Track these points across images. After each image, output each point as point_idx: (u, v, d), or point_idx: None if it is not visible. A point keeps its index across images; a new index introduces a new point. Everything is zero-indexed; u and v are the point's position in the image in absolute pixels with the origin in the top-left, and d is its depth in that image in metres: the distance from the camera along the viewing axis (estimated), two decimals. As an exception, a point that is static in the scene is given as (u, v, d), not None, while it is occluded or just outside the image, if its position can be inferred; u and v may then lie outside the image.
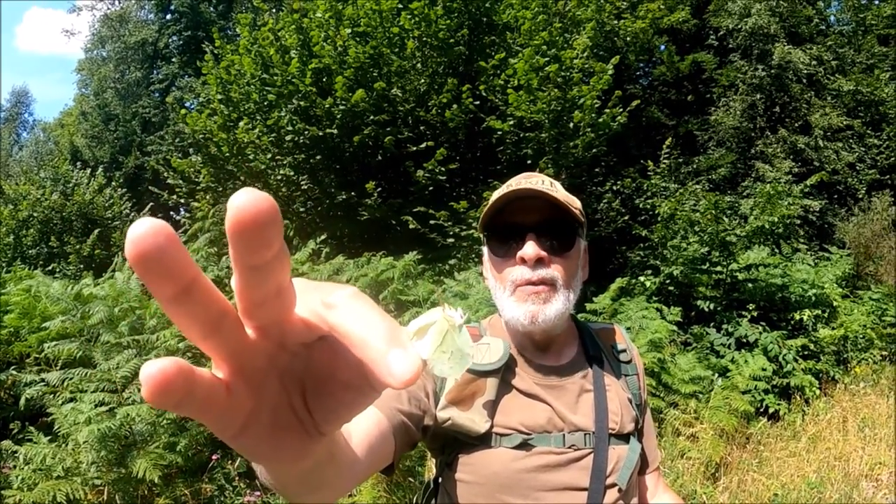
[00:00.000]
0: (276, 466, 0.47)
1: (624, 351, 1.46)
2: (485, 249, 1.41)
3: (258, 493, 4.26)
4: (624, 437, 1.32)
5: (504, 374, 1.31)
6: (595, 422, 1.30)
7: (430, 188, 7.66)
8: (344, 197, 7.88)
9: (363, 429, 1.03)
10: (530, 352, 1.37)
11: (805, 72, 11.92)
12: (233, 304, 0.35)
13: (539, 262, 1.28)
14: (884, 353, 7.30)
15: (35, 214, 13.65)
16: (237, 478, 4.40)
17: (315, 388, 0.41)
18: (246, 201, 0.29)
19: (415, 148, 7.65)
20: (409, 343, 0.33)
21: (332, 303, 0.35)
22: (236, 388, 0.37)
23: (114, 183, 15.80)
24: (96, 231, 12.97)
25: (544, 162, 7.20)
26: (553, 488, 1.24)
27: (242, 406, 0.37)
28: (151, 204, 15.07)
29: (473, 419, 1.24)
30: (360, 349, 0.34)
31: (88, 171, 15.48)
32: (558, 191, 1.31)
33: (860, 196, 11.83)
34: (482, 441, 1.25)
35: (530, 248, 1.27)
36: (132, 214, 14.78)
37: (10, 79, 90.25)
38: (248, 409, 0.38)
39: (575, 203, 1.34)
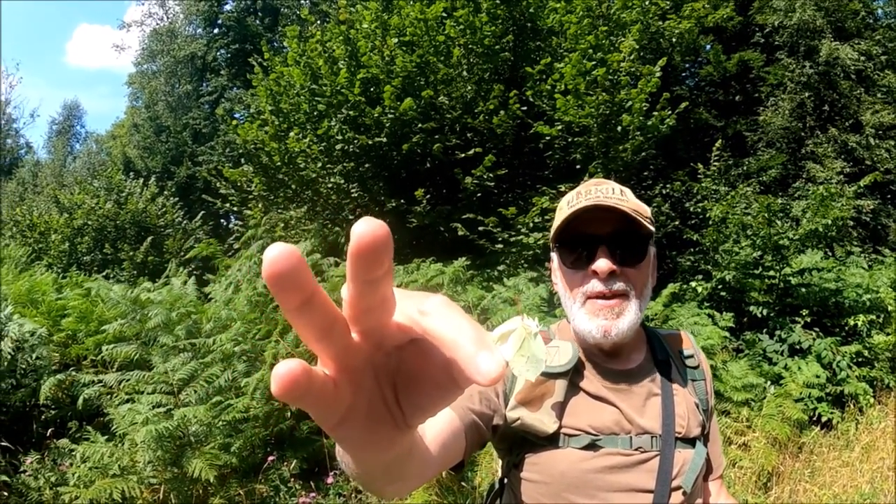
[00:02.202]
0: (366, 456, 0.52)
1: (692, 356, 1.47)
2: (554, 256, 1.42)
3: (313, 493, 4.33)
4: (690, 441, 1.33)
5: (573, 376, 1.33)
6: (662, 425, 1.31)
7: (479, 194, 7.67)
8: (393, 204, 7.96)
9: (437, 427, 1.08)
10: (599, 356, 1.38)
11: (853, 68, 11.62)
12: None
13: (611, 275, 1.29)
14: (940, 359, 7.08)
15: (89, 222, 14.05)
16: (292, 479, 4.47)
17: (405, 385, 0.46)
18: (366, 229, 0.36)
19: (463, 155, 7.69)
20: (494, 346, 0.38)
21: (427, 310, 0.40)
22: (341, 384, 0.42)
23: (166, 192, 16.18)
24: (149, 238, 13.31)
25: (593, 166, 7.18)
26: (619, 489, 1.25)
27: (344, 400, 0.43)
28: (203, 212, 15.37)
29: (542, 420, 1.27)
30: (451, 350, 0.38)
31: (141, 180, 15.90)
32: (629, 200, 1.32)
33: (915, 195, 11.49)
34: (550, 441, 1.28)
35: (603, 263, 1.28)
36: (184, 222, 15.10)
37: (60, 93, 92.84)
38: (348, 402, 0.43)
39: (645, 212, 1.34)
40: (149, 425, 3.97)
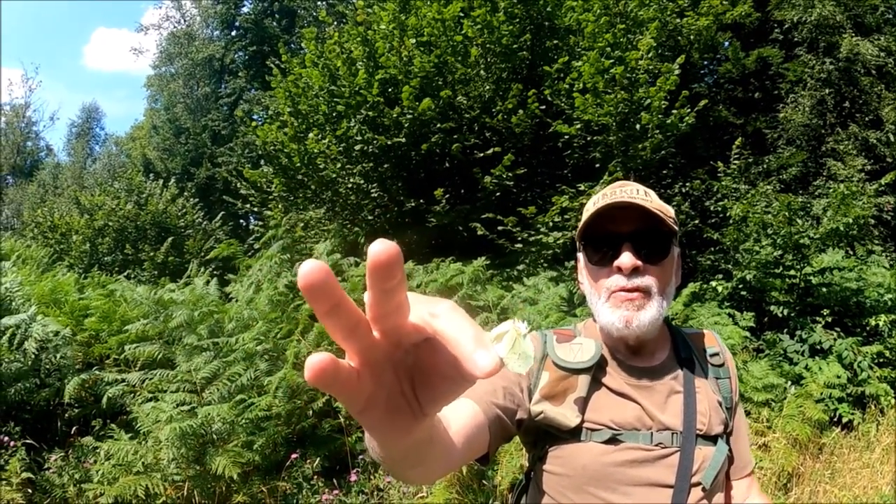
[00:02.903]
0: (387, 440, 0.60)
1: (716, 354, 1.48)
2: (580, 255, 1.44)
3: (336, 491, 4.36)
4: (711, 439, 1.35)
5: (596, 372, 1.37)
6: (683, 422, 1.33)
7: (498, 194, 7.69)
8: (412, 204, 8.00)
9: (461, 420, 1.14)
10: (622, 353, 1.41)
11: (874, 63, 11.46)
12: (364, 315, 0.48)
13: (635, 271, 1.32)
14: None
15: (110, 223, 14.18)
16: (315, 476, 4.50)
17: (420, 378, 0.53)
18: (380, 248, 0.43)
19: (481, 154, 7.70)
20: (490, 345, 0.45)
21: (437, 313, 0.48)
22: (364, 375, 0.49)
23: (186, 193, 16.32)
24: (170, 239, 13.42)
25: (613, 165, 7.15)
26: (639, 483, 1.28)
27: (367, 389, 0.50)
28: (223, 213, 15.47)
29: (565, 413, 1.31)
30: (454, 348, 0.46)
31: (161, 181, 16.04)
32: (653, 200, 1.35)
33: (936, 193, 11.30)
34: (573, 435, 1.32)
35: (626, 258, 1.31)
36: (204, 223, 15.20)
37: (79, 97, 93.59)
38: (370, 391, 0.50)
39: (668, 211, 1.37)
40: (172, 423, 4.01)
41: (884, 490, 4.63)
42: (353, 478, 4.42)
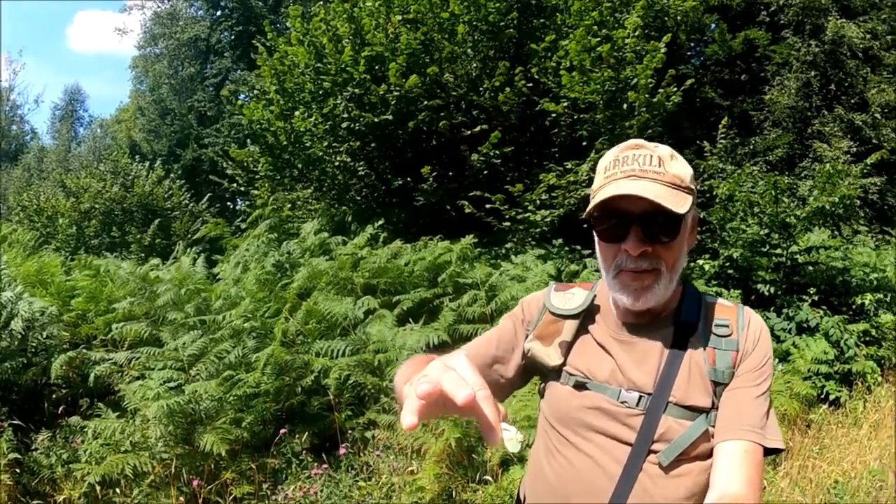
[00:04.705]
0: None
1: (725, 326, 1.37)
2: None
3: (325, 465, 4.36)
4: (688, 410, 1.29)
5: (585, 319, 1.44)
6: (655, 385, 1.31)
7: (485, 172, 7.68)
8: (399, 183, 7.98)
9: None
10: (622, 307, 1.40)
11: (861, 46, 11.49)
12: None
13: (643, 253, 1.29)
14: (947, 339, 7.03)
15: (97, 206, 14.09)
16: (303, 452, 4.49)
17: (450, 408, 0.79)
18: (465, 395, 0.75)
19: (469, 132, 7.66)
20: (499, 428, 0.78)
21: (481, 398, 0.78)
22: (429, 407, 0.77)
23: (172, 175, 16.24)
24: (156, 221, 13.37)
25: (600, 143, 7.15)
26: (599, 431, 1.33)
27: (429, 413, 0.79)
28: (209, 194, 15.40)
29: (549, 353, 1.42)
30: (482, 422, 0.77)
31: (147, 163, 15.92)
32: (666, 171, 1.29)
33: (921, 175, 11.36)
34: (556, 375, 1.42)
35: (634, 244, 1.28)
36: (191, 205, 15.12)
37: (64, 79, 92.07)
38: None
39: (685, 178, 1.31)
40: (160, 400, 4.00)
41: (872, 465, 4.68)
42: (342, 452, 4.43)
